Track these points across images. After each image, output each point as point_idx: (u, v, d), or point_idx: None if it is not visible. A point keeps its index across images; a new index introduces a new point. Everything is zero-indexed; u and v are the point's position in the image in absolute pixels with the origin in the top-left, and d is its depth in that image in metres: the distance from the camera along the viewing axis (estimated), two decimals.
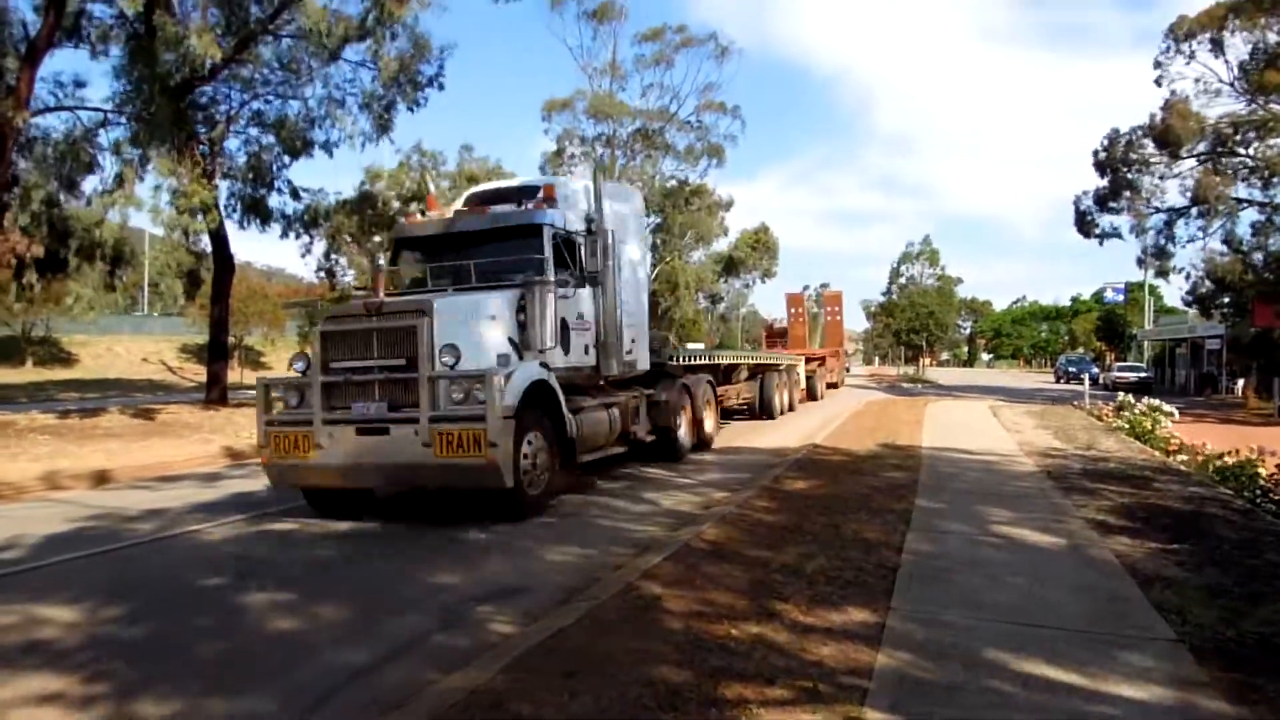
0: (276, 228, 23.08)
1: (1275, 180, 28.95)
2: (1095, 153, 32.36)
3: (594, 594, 5.74)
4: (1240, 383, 36.73)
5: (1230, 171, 29.64)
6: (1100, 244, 33.27)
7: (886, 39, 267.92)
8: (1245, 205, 30.18)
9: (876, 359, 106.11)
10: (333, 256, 28.34)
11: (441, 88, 22.36)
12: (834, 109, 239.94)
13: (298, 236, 23.92)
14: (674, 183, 51.45)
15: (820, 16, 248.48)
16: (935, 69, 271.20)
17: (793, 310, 42.87)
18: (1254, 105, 28.83)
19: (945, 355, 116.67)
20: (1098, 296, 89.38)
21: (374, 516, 9.17)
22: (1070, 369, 54.34)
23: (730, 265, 67.11)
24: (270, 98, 22.54)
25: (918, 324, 63.52)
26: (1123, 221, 32.25)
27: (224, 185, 21.65)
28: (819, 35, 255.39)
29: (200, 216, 18.85)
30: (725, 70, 49.95)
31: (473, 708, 3.94)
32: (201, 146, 20.84)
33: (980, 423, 19.66)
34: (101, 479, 12.28)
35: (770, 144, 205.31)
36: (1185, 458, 13.15)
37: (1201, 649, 4.65)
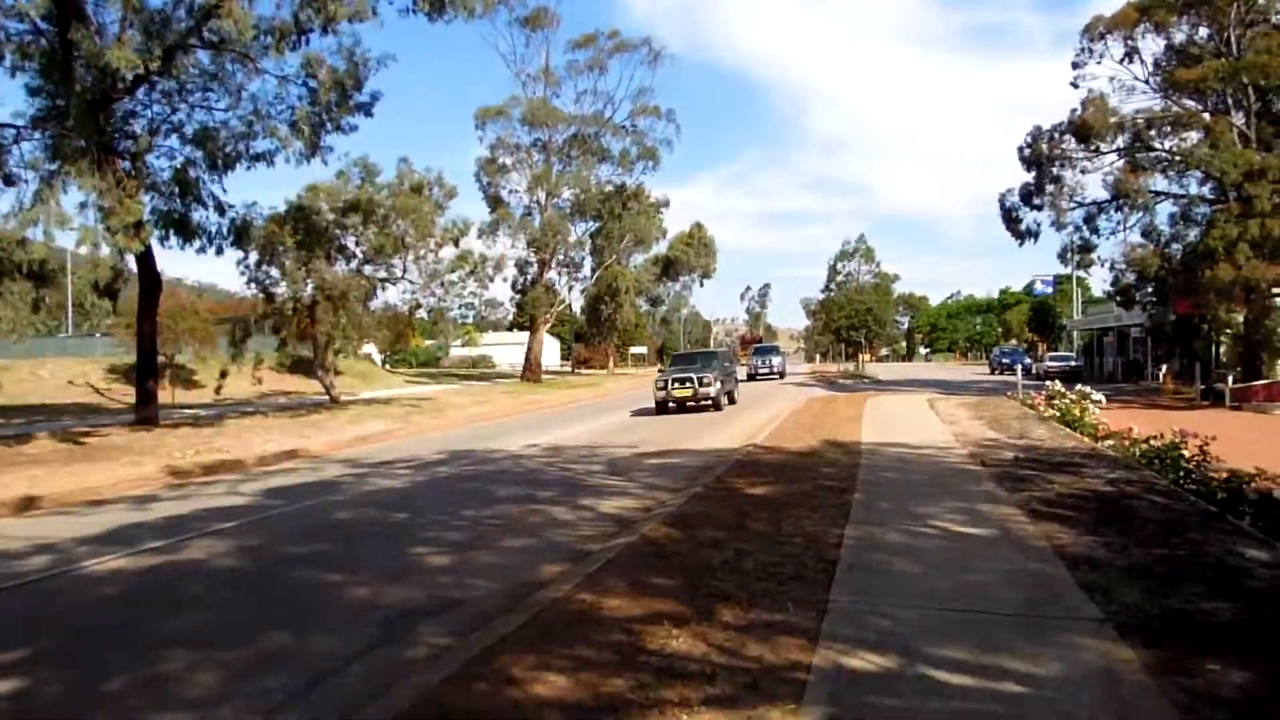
0: (199, 244, 22.52)
1: (1189, 173, 30.09)
2: (1020, 149, 33.21)
3: (536, 602, 5.71)
4: (1164, 369, 37.98)
5: (1148, 166, 30.65)
6: (1024, 242, 34.07)
7: (818, 44, 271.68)
8: (1161, 198, 31.26)
9: (817, 356, 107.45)
10: (264, 268, 27.66)
11: (370, 114, 22.25)
12: (768, 113, 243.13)
13: (220, 252, 23.35)
14: (611, 187, 51.52)
15: (753, 22, 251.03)
16: (865, 72, 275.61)
17: None
18: (1168, 101, 29.89)
19: (884, 351, 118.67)
20: (1028, 289, 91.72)
21: (329, 539, 9.03)
22: (1004, 360, 55.55)
23: (669, 266, 67.45)
24: (195, 110, 22.06)
25: (856, 321, 64.53)
26: (1046, 217, 33.17)
27: (146, 200, 21.02)
28: (753, 41, 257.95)
29: (133, 234, 18.29)
30: (659, 75, 50.72)
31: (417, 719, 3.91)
32: (123, 162, 20.26)
33: (918, 416, 20.03)
34: (26, 506, 11.86)
35: (706, 148, 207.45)
36: (1113, 443, 13.55)
37: (1127, 627, 4.80)
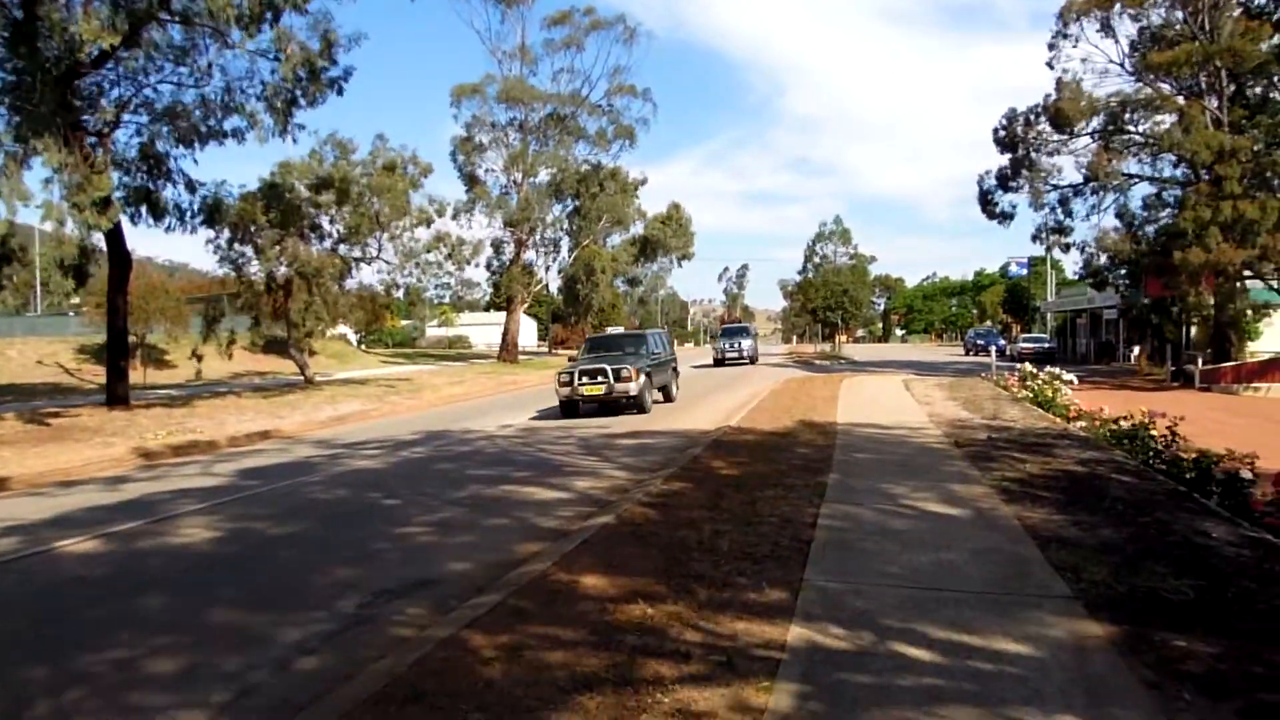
0: (168, 221, 22.18)
1: (1163, 156, 30.36)
2: (995, 131, 33.33)
3: (510, 581, 5.71)
4: (1135, 350, 38.46)
5: (1121, 149, 30.89)
6: (1001, 224, 34.34)
7: (795, 21, 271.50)
8: (1135, 181, 31.55)
9: (794, 337, 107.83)
10: (236, 247, 27.31)
11: (341, 92, 21.85)
12: (747, 92, 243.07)
13: (192, 231, 23.05)
14: (588, 167, 51.27)
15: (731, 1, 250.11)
16: (843, 51, 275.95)
17: None
18: (1141, 84, 30.09)
19: (861, 332, 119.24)
20: (1003, 271, 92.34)
21: (308, 517, 8.97)
22: (979, 341, 56.04)
23: (646, 247, 67.31)
24: (162, 86, 21.68)
25: (833, 302, 64.65)
26: (1022, 199, 33.42)
27: (114, 177, 20.66)
28: (730, 18, 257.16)
29: (101, 210, 17.99)
30: (635, 53, 50.42)
31: (390, 700, 3.89)
32: (90, 138, 19.88)
33: (893, 397, 20.16)
34: None
35: (684, 127, 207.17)
36: (1084, 423, 13.71)
37: (1095, 604, 4.87)
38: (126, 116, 21.32)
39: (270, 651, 4.98)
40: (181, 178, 22.27)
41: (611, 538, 6.72)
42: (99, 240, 20.73)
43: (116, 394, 21.44)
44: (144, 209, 21.67)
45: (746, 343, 43.03)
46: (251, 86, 21.38)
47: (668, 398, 21.67)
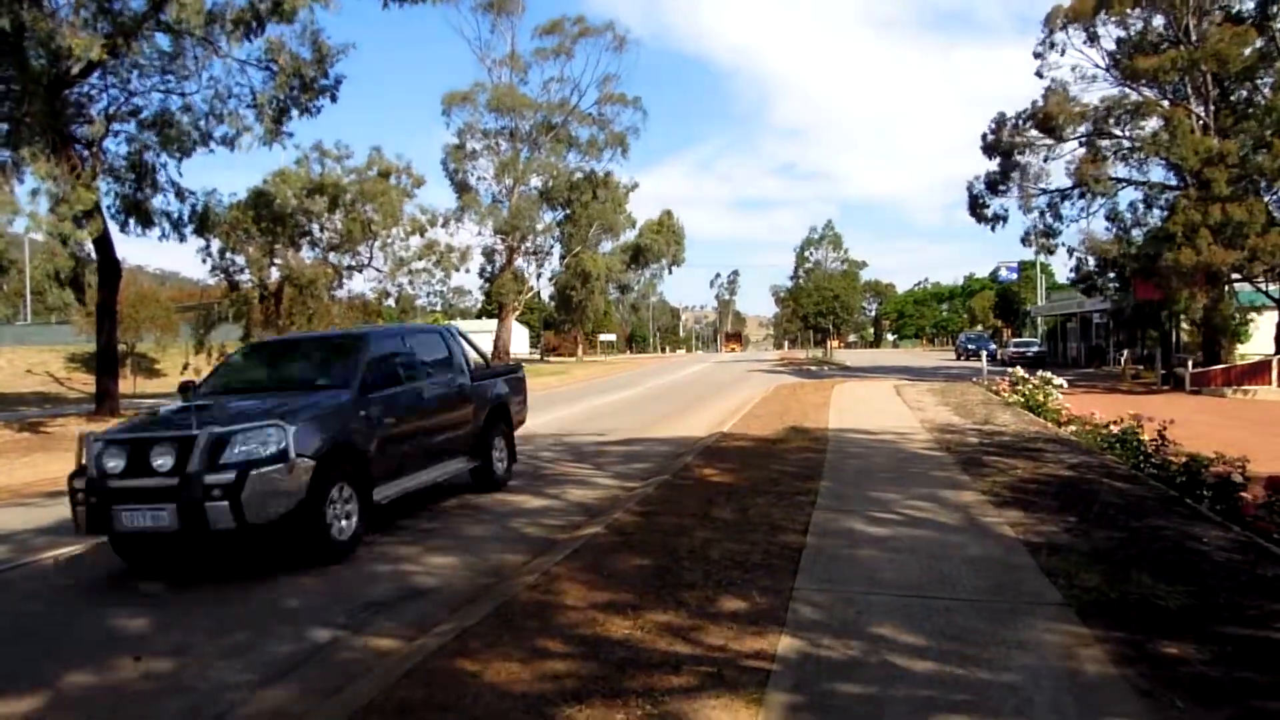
0: (159, 229, 22.13)
1: (1151, 160, 30.52)
2: (984, 136, 33.46)
3: (500, 592, 5.67)
4: (1125, 354, 38.57)
5: (1109, 153, 31.04)
6: (992, 229, 34.45)
7: (780, 29, 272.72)
8: (1123, 185, 31.68)
9: (786, 343, 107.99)
10: (228, 256, 27.29)
11: (335, 99, 21.81)
12: (734, 99, 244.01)
13: (183, 239, 22.97)
14: (579, 175, 51.33)
15: (716, 7, 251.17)
16: (829, 58, 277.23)
17: None
18: (1127, 90, 30.23)
19: (852, 337, 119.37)
20: (993, 275, 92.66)
21: None
22: (970, 346, 56.03)
23: (638, 254, 67.33)
24: (153, 94, 21.62)
25: (824, 308, 64.73)
26: (1012, 203, 33.51)
27: (104, 185, 20.63)
28: (716, 25, 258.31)
29: (84, 224, 17.91)
30: (624, 61, 50.33)
31: (378, 712, 3.85)
32: (78, 146, 19.81)
33: (884, 402, 20.17)
34: None
35: (674, 134, 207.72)
36: (1075, 428, 13.73)
37: (1087, 611, 4.86)
38: (115, 125, 21.25)
39: (253, 664, 4.91)
40: (171, 186, 22.21)
41: (602, 546, 6.68)
42: (89, 249, 20.65)
43: (105, 403, 21.31)
44: (133, 217, 21.59)
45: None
46: (242, 95, 21.35)
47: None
